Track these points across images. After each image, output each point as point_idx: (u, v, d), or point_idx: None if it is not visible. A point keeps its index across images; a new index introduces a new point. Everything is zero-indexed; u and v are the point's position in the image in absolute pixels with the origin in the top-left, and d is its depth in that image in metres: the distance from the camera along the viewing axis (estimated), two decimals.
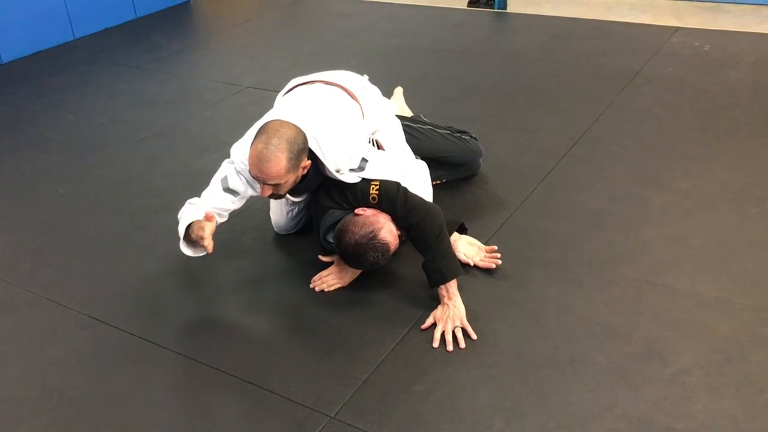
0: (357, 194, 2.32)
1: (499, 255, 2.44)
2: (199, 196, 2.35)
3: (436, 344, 2.13)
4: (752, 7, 4.94)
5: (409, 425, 1.88)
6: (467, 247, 2.46)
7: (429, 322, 2.19)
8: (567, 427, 1.84)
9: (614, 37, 4.55)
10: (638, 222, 2.65)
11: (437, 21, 5.15)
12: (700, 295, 2.26)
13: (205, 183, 2.37)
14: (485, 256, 2.45)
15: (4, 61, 4.84)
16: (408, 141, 2.72)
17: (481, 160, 2.99)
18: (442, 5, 5.47)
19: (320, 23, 5.34)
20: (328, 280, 2.40)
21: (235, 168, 2.29)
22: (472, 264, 2.43)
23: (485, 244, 2.52)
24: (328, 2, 5.80)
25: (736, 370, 1.97)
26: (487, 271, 2.43)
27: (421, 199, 2.34)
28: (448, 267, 2.22)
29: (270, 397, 2.00)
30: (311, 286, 2.40)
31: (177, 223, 2.31)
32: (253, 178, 2.19)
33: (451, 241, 2.37)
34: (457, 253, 2.38)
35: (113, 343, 2.26)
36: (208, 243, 2.11)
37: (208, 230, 2.12)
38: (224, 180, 2.30)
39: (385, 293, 2.36)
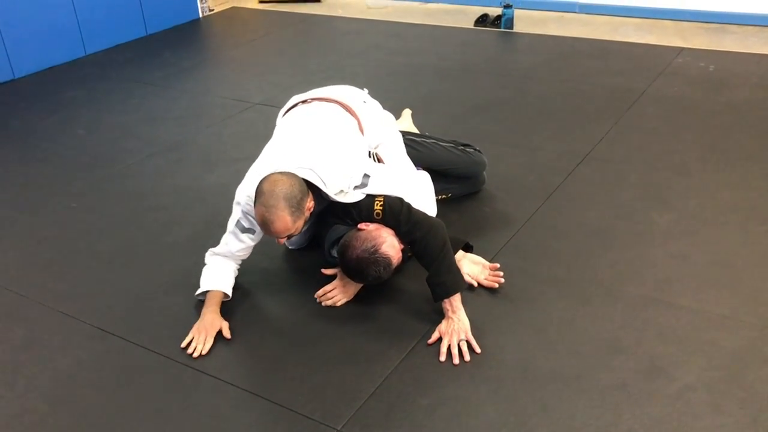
0: (362, 210, 2.35)
1: (501, 273, 2.46)
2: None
3: (442, 358, 2.15)
4: (756, 28, 4.99)
5: None
6: (471, 266, 2.48)
7: (435, 336, 2.22)
8: None
9: (620, 57, 4.60)
10: (643, 240, 2.67)
11: (444, 40, 5.21)
12: (705, 313, 2.28)
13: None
14: (489, 275, 2.47)
15: (17, 76, 4.91)
16: (410, 153, 2.76)
17: (486, 174, 3.02)
18: (449, 24, 5.53)
19: (328, 41, 5.40)
20: (334, 295, 2.42)
21: (242, 210, 2.35)
22: (476, 284, 2.45)
23: (491, 260, 2.55)
24: (336, 21, 5.87)
25: (741, 388, 1.98)
26: (492, 288, 2.45)
27: (425, 214, 2.37)
28: (452, 281, 2.25)
29: (277, 410, 2.02)
30: (317, 300, 2.43)
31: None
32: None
33: (456, 262, 2.40)
34: (462, 275, 2.41)
35: (123, 355, 2.28)
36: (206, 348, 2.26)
37: (211, 339, 2.28)
38: (239, 223, 2.37)
39: (392, 307, 2.39)
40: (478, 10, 5.58)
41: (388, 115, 2.83)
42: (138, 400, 2.10)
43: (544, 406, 1.97)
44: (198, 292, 2.41)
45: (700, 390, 1.98)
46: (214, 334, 2.29)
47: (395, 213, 2.32)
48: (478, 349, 2.17)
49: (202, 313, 2.35)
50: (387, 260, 2.25)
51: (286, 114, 2.61)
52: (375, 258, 2.23)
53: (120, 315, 2.46)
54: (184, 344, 2.27)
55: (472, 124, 3.77)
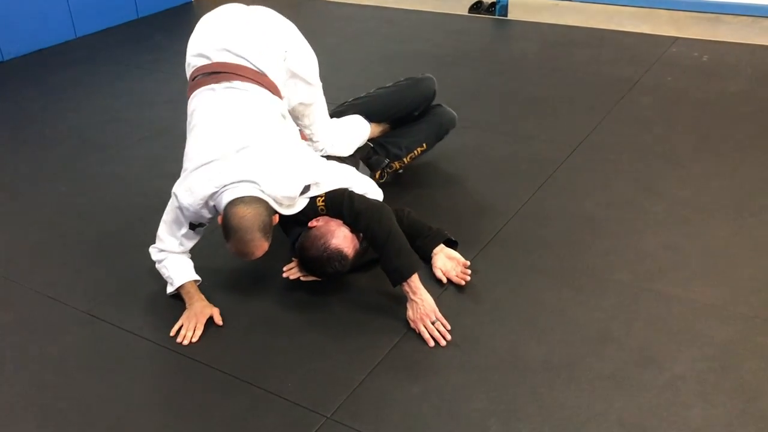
0: (308, 212, 2.33)
1: (469, 272, 2.43)
2: None
3: (431, 344, 2.15)
4: (751, 18, 4.98)
5: (405, 427, 1.89)
6: (445, 261, 2.45)
7: (412, 326, 2.21)
8: (562, 431, 1.86)
9: (614, 46, 4.58)
10: (635, 230, 2.67)
11: (438, 26, 5.17)
12: (696, 303, 2.28)
13: None
14: (460, 272, 2.44)
15: (6, 58, 4.85)
16: (358, 109, 2.79)
17: (457, 121, 3.01)
18: (443, 11, 5.49)
19: (321, 27, 5.36)
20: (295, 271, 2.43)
21: (179, 208, 2.26)
22: (445, 280, 2.41)
23: (482, 249, 2.54)
24: (329, 6, 5.82)
25: (731, 378, 1.99)
26: (485, 275, 2.44)
27: (368, 201, 2.32)
28: (405, 264, 2.22)
29: (266, 397, 2.01)
30: (284, 275, 2.42)
31: None
32: None
33: (433, 255, 2.43)
34: (434, 269, 2.42)
35: (111, 340, 2.27)
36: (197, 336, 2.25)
37: (201, 326, 2.28)
38: (188, 223, 2.30)
39: (382, 296, 2.37)
40: None
41: (313, 64, 2.60)
42: (126, 385, 2.09)
43: (535, 395, 1.97)
44: (171, 290, 2.38)
45: (690, 380, 1.99)
46: (204, 321, 2.28)
47: (337, 206, 2.30)
48: (448, 326, 2.19)
49: (188, 302, 2.34)
50: (339, 254, 2.26)
51: (196, 93, 2.33)
52: (328, 255, 2.25)
53: (108, 300, 2.44)
54: (173, 332, 2.25)
55: (465, 111, 3.72)
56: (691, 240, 2.59)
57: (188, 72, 2.42)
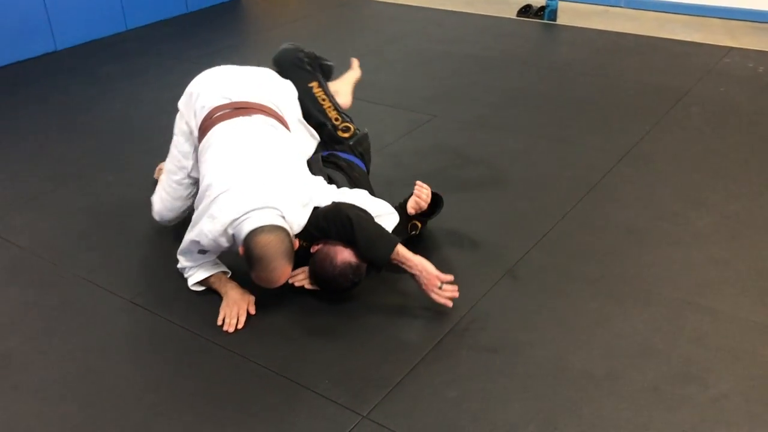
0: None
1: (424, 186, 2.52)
2: None
3: (450, 304, 2.23)
4: None
5: (440, 430, 1.88)
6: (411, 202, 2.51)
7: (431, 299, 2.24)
8: None
9: (665, 55, 4.50)
10: (682, 242, 2.61)
11: (485, 29, 5.14)
12: (742, 320, 2.22)
13: None
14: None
15: (59, 48, 4.96)
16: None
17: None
18: (491, 14, 5.46)
19: (367, 25, 5.37)
20: (301, 278, 2.41)
21: (194, 241, 2.28)
22: (422, 204, 2.49)
23: (525, 254, 2.52)
24: (376, 5, 5.83)
25: None
26: (527, 281, 2.41)
27: (325, 212, 2.28)
28: (381, 248, 2.23)
29: (303, 392, 2.01)
30: (290, 281, 2.37)
31: None
32: None
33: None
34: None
35: (153, 329, 2.30)
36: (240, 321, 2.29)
37: (244, 312, 2.31)
38: (200, 246, 2.30)
39: (423, 298, 2.36)
40: (522, 1, 5.50)
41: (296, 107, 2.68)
42: (165, 373, 2.11)
43: (574, 405, 1.93)
44: (195, 281, 2.39)
45: (736, 398, 1.93)
46: (245, 307, 2.30)
47: (310, 233, 2.29)
48: (455, 286, 2.23)
49: (223, 292, 2.35)
50: (349, 266, 2.25)
51: (213, 129, 2.39)
52: (339, 272, 2.25)
53: (150, 290, 2.47)
54: (219, 322, 2.27)
55: (510, 115, 3.71)
56: (738, 255, 2.52)
57: (199, 113, 2.48)
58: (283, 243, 2.11)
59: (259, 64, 2.75)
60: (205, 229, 2.22)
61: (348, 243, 2.26)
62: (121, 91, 4.24)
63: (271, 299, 2.38)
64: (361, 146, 2.77)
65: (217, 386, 2.06)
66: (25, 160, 3.45)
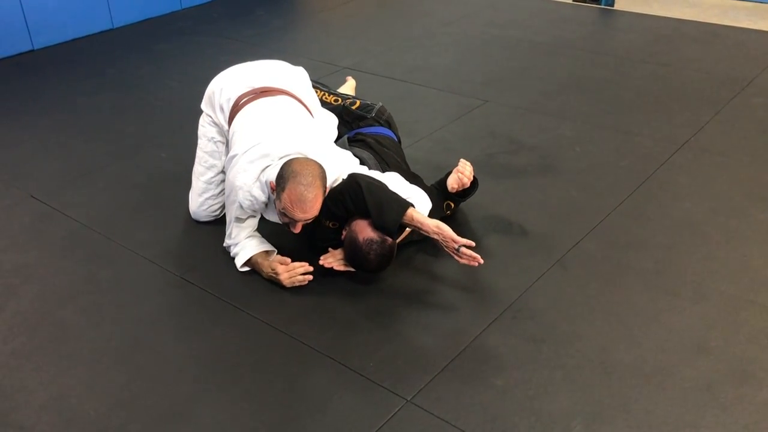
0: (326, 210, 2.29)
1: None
2: None
3: (474, 263, 2.18)
4: None
5: (485, 419, 1.86)
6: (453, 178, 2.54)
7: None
8: None
9: (727, 43, 4.35)
10: (740, 237, 2.53)
11: (541, 14, 5.04)
12: None
13: None
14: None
15: (116, 25, 5.04)
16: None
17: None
18: None
19: (421, 8, 5.32)
20: (330, 261, 2.39)
21: (240, 205, 2.32)
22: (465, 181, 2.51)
23: (576, 244, 2.47)
24: None
25: None
26: (578, 270, 2.37)
27: (339, 188, 2.26)
28: (391, 211, 2.19)
29: (348, 374, 2.02)
30: (320, 262, 2.37)
31: None
32: (292, 219, 2.19)
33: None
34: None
35: (203, 305, 2.33)
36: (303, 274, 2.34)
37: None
38: (242, 210, 2.34)
39: (472, 284, 2.34)
40: None
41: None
42: (212, 349, 2.14)
43: (622, 399, 1.90)
44: (242, 262, 2.41)
45: None
46: (289, 267, 2.34)
47: (330, 200, 2.26)
48: (472, 244, 2.18)
49: (272, 268, 2.35)
50: (374, 241, 2.22)
51: (241, 111, 2.46)
52: (367, 249, 2.23)
53: (201, 266, 2.50)
54: (286, 281, 2.32)
55: (564, 102, 3.64)
56: None
57: (225, 106, 2.52)
58: (319, 168, 2.16)
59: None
60: (237, 182, 2.26)
61: (363, 213, 2.25)
62: (175, 69, 4.29)
63: (318, 281, 2.38)
64: (383, 116, 2.82)
65: (263, 363, 2.08)
66: (81, 136, 3.53)
